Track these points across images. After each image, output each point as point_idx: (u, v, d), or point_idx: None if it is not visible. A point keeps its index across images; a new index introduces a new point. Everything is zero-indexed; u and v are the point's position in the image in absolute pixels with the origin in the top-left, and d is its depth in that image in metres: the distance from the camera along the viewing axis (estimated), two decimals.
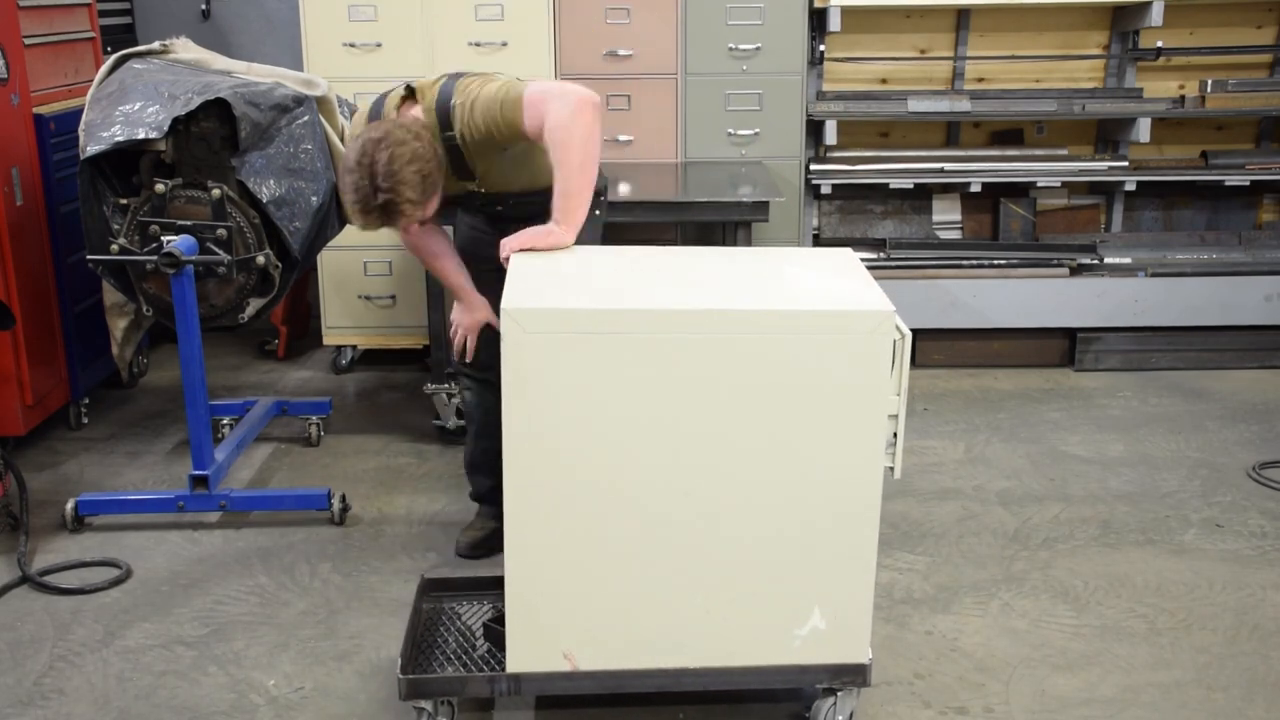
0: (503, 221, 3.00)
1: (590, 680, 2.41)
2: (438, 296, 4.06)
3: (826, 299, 2.33)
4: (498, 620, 2.57)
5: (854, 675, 2.44)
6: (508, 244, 2.67)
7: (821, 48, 4.89)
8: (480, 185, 2.94)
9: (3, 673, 2.78)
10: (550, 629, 2.37)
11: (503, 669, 2.42)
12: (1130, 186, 4.96)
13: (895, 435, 2.32)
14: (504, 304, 2.21)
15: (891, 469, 2.34)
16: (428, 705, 2.45)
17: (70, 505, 3.48)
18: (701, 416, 2.26)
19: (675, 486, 2.29)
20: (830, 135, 4.81)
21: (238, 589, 3.17)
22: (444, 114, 2.80)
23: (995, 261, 4.91)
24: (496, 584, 2.73)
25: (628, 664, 2.40)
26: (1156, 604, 3.08)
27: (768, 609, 2.38)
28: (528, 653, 2.38)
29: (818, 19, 4.77)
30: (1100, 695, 2.69)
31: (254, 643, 2.91)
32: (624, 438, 2.26)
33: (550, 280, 2.44)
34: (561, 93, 2.68)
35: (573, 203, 2.68)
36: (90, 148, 3.26)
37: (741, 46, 4.67)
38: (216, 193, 3.30)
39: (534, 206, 2.86)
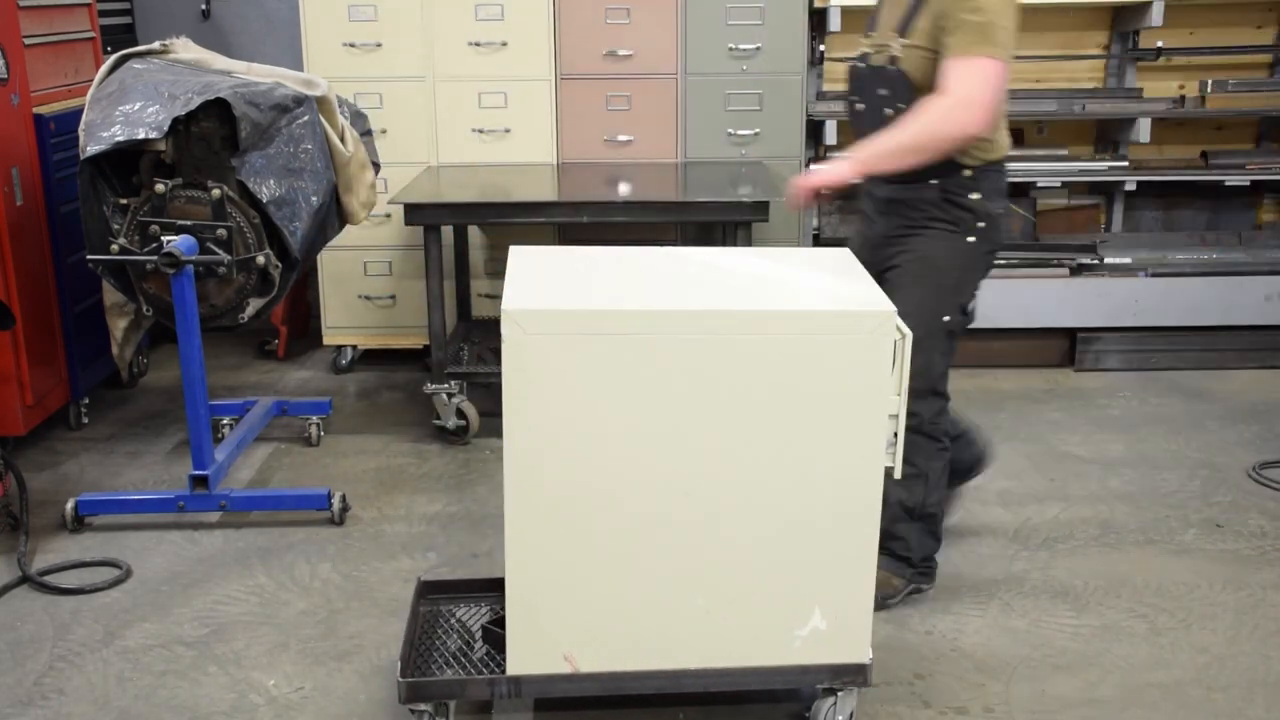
0: (883, 210, 2.85)
1: (591, 682, 2.40)
2: (438, 296, 4.06)
3: (827, 299, 2.33)
4: (496, 622, 2.57)
5: (855, 675, 2.44)
6: (793, 183, 2.67)
7: (821, 48, 4.89)
8: (904, 51, 2.68)
9: (3, 673, 2.78)
10: (550, 630, 2.36)
11: (502, 671, 2.42)
12: (1130, 186, 4.96)
13: (896, 435, 2.32)
14: (504, 305, 2.21)
15: (892, 469, 2.34)
16: (427, 708, 2.44)
17: (70, 505, 3.48)
18: (702, 417, 2.26)
19: (676, 487, 2.29)
20: (830, 135, 4.81)
21: (238, 589, 3.17)
22: None
23: (995, 261, 4.90)
24: (493, 586, 2.74)
25: (628, 665, 2.40)
26: (1156, 604, 3.08)
27: (768, 609, 2.38)
28: (528, 655, 2.38)
29: (818, 19, 4.77)
30: (1100, 695, 2.69)
31: (254, 643, 2.91)
32: (625, 438, 2.26)
33: (551, 281, 2.44)
34: (970, 99, 2.55)
35: (871, 156, 2.63)
36: (90, 148, 3.26)
37: (741, 46, 4.67)
38: (216, 193, 3.30)
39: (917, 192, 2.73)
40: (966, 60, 2.55)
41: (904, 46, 2.68)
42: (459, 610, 2.74)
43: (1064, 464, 3.97)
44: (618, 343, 2.21)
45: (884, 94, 2.73)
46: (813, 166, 2.57)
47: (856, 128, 2.86)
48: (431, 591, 2.79)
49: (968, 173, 2.74)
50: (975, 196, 2.75)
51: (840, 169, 2.65)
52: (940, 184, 2.75)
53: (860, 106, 2.84)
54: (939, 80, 2.60)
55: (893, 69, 2.69)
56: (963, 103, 2.55)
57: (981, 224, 2.80)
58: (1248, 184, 5.00)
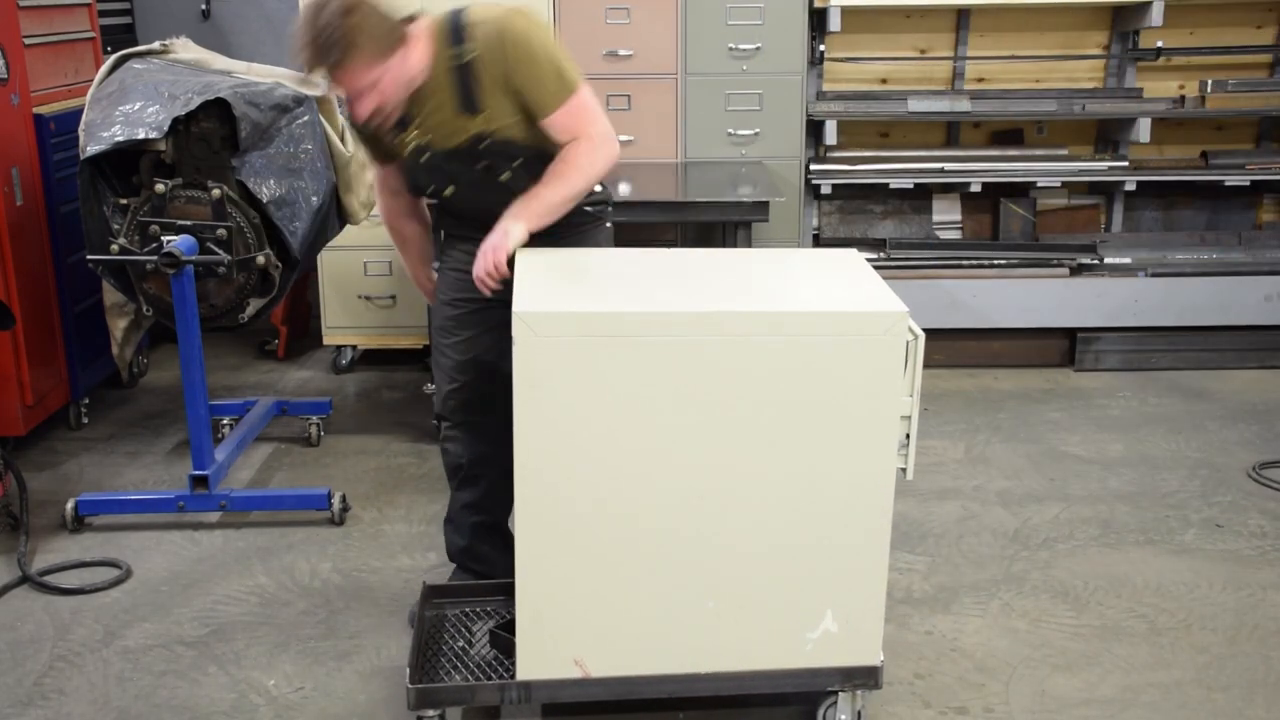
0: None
1: (601, 687, 2.39)
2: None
3: (840, 300, 2.32)
4: (504, 627, 2.56)
5: (866, 677, 2.43)
6: (478, 266, 2.53)
7: (821, 48, 4.89)
8: (486, 124, 2.58)
9: (3, 673, 2.78)
10: (561, 635, 2.35)
11: (510, 676, 2.41)
12: (1130, 186, 4.96)
13: (908, 436, 2.31)
14: (515, 307, 2.19)
15: (904, 470, 2.33)
16: (434, 714, 2.43)
17: (70, 505, 3.48)
18: (713, 419, 2.25)
19: (687, 489, 2.29)
20: (830, 135, 4.81)
21: (238, 589, 3.17)
22: (454, 28, 2.54)
23: (995, 261, 4.91)
24: (498, 589, 2.73)
25: (639, 670, 2.39)
26: (1156, 604, 3.08)
27: (780, 612, 2.38)
28: (538, 660, 2.37)
29: (818, 19, 4.77)
30: (1100, 695, 2.69)
31: (254, 643, 2.91)
32: (635, 441, 2.25)
33: (561, 283, 2.43)
34: (606, 133, 2.61)
35: (541, 212, 2.57)
36: (90, 148, 3.27)
37: (741, 46, 4.67)
38: (216, 193, 3.30)
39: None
40: (569, 106, 2.56)
41: (486, 119, 2.58)
42: (465, 614, 2.73)
43: (1064, 464, 3.97)
44: (629, 345, 2.21)
45: (485, 165, 2.65)
46: (488, 244, 2.54)
47: (452, 207, 2.77)
48: (436, 595, 2.78)
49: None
50: (599, 189, 2.82)
51: (516, 233, 2.54)
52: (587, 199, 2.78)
53: (451, 189, 2.70)
54: (555, 133, 2.57)
55: (490, 140, 2.61)
56: (600, 137, 2.60)
57: (610, 205, 2.90)
58: (1248, 184, 5.00)
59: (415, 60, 2.53)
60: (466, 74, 2.55)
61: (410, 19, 2.55)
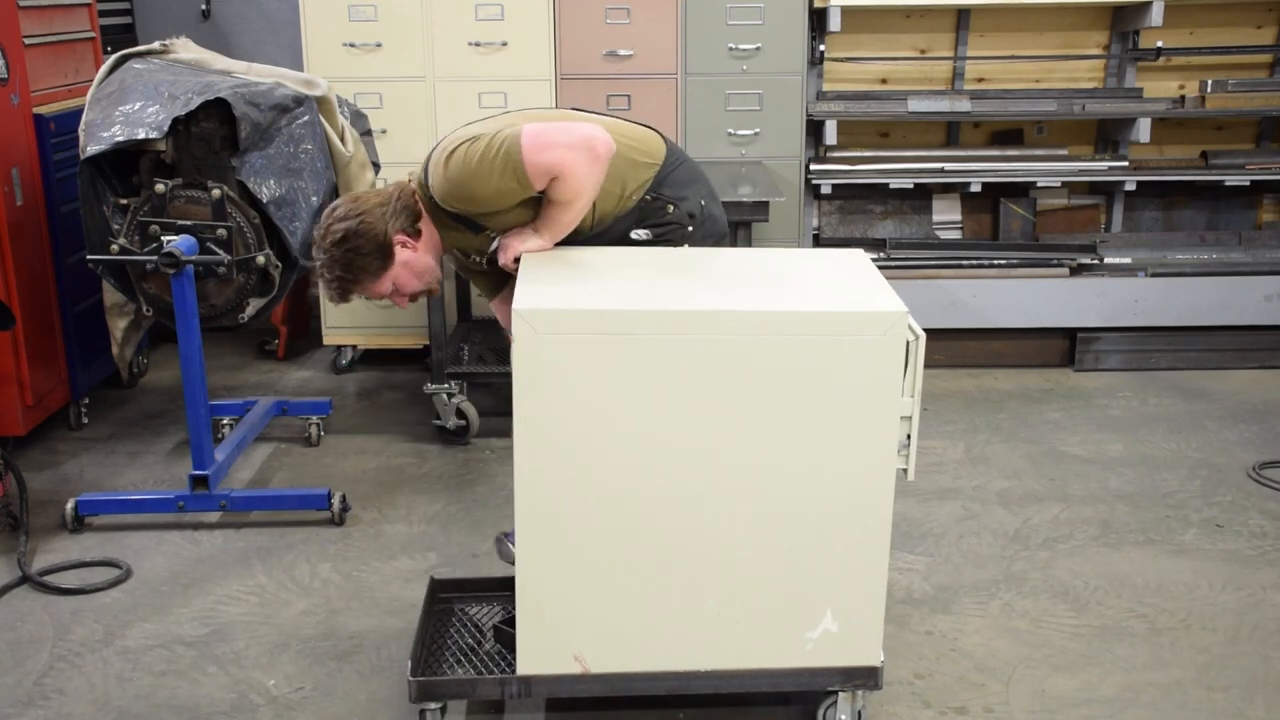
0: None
1: (600, 683, 2.40)
2: (438, 296, 4.06)
3: (840, 300, 2.32)
4: (508, 622, 2.57)
5: (866, 678, 2.43)
6: (505, 258, 2.62)
7: (821, 48, 4.89)
8: (501, 233, 2.68)
9: (3, 673, 2.78)
10: (561, 631, 2.36)
11: (513, 671, 2.41)
12: (1130, 186, 4.96)
13: (908, 437, 2.31)
14: (515, 305, 2.20)
15: (904, 471, 2.33)
16: (435, 707, 2.44)
17: (70, 505, 3.48)
18: (714, 418, 2.25)
19: (687, 488, 2.29)
20: (830, 135, 4.81)
21: (238, 589, 3.17)
22: (424, 184, 2.65)
23: (995, 261, 4.91)
24: (506, 585, 2.73)
25: (638, 666, 2.39)
26: (1156, 604, 3.08)
27: (780, 611, 2.38)
28: (538, 655, 2.38)
29: (818, 19, 4.77)
30: (1100, 695, 2.69)
31: (254, 643, 2.91)
32: (636, 439, 2.25)
33: (562, 281, 2.43)
34: (571, 143, 2.47)
35: (560, 227, 2.60)
36: (90, 148, 3.26)
37: (741, 46, 4.67)
38: (216, 193, 3.30)
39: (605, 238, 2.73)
40: (530, 170, 2.48)
41: (497, 230, 2.68)
42: (471, 609, 2.75)
43: (1064, 464, 3.97)
44: (629, 343, 2.21)
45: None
46: (505, 239, 2.62)
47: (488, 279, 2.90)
48: (444, 590, 2.79)
49: (649, 196, 2.75)
50: (672, 209, 2.77)
51: (534, 243, 2.60)
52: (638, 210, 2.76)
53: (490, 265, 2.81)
54: (541, 183, 2.53)
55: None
56: (569, 154, 2.48)
57: (686, 226, 2.78)
58: (1248, 184, 4.99)
59: (425, 245, 2.67)
60: (444, 212, 2.65)
61: (415, 213, 2.65)
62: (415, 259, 2.65)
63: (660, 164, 2.76)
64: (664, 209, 2.75)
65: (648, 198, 2.74)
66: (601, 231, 2.73)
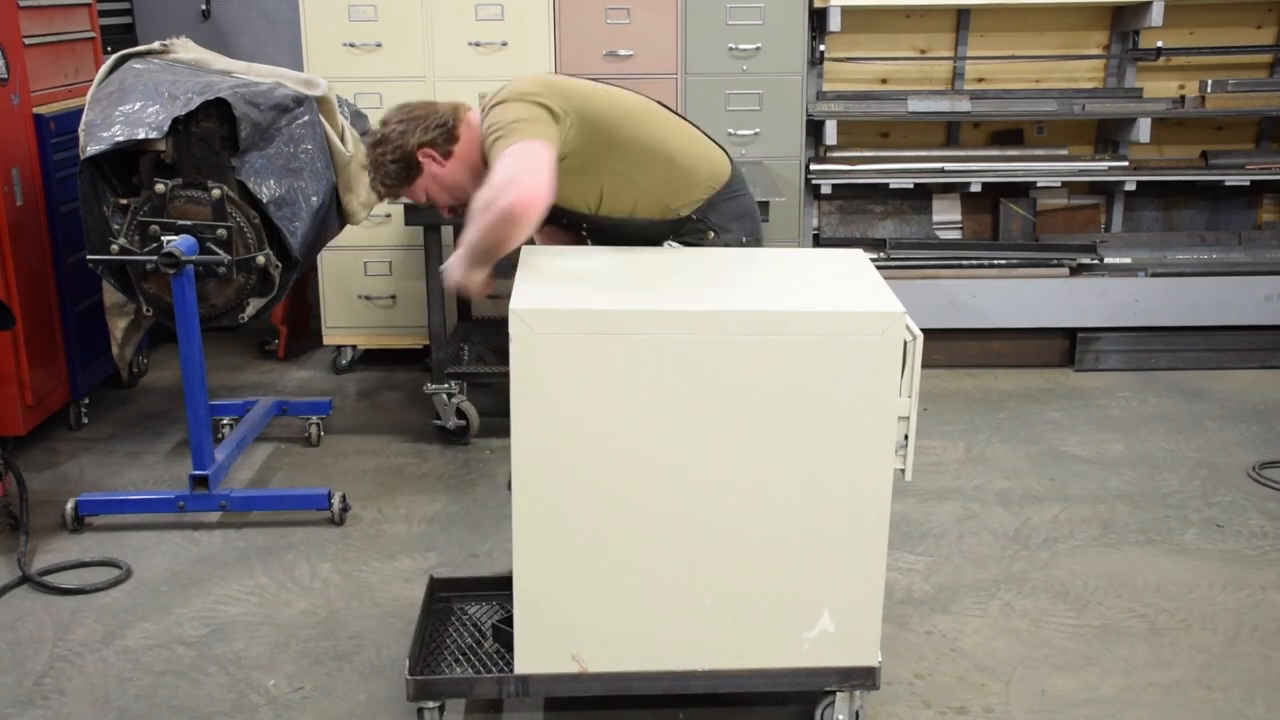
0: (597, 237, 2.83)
1: (598, 682, 2.40)
2: (438, 296, 4.06)
3: (837, 300, 2.32)
4: (506, 621, 2.57)
5: (863, 678, 2.43)
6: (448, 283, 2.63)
7: (821, 48, 4.89)
8: None
9: (3, 673, 2.78)
10: (559, 630, 2.36)
11: (511, 670, 2.41)
12: (1130, 186, 4.96)
13: (906, 437, 2.31)
14: (512, 304, 2.20)
15: (902, 471, 2.33)
16: (433, 706, 2.44)
17: (70, 505, 3.48)
18: (711, 417, 2.25)
19: (684, 488, 2.29)
20: (830, 135, 4.81)
21: (238, 589, 3.17)
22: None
23: (995, 261, 4.91)
24: (505, 584, 2.73)
25: (636, 666, 2.40)
26: (1156, 604, 3.08)
27: (777, 611, 2.38)
28: (536, 654, 2.38)
29: (818, 19, 4.77)
30: (1100, 695, 2.69)
31: (254, 643, 2.91)
32: (633, 439, 2.25)
33: (560, 281, 2.43)
34: (503, 181, 2.39)
35: (466, 255, 2.52)
36: (90, 148, 3.26)
37: (741, 46, 4.67)
38: (216, 193, 3.30)
39: (630, 231, 2.75)
40: (502, 151, 2.49)
41: None
42: (470, 608, 2.75)
43: (1064, 464, 3.97)
44: (627, 343, 2.21)
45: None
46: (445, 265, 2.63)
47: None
48: (443, 589, 2.79)
49: (694, 215, 2.78)
50: (711, 235, 2.80)
51: (455, 272, 2.58)
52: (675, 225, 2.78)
53: (583, 227, 2.84)
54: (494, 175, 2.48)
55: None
56: (504, 188, 2.40)
57: (712, 231, 2.81)
58: (1248, 184, 4.99)
59: (458, 163, 2.74)
60: None
61: (451, 134, 2.75)
62: (443, 174, 2.75)
63: (718, 189, 2.80)
64: (704, 234, 2.78)
65: (693, 216, 2.77)
66: (633, 229, 2.76)
